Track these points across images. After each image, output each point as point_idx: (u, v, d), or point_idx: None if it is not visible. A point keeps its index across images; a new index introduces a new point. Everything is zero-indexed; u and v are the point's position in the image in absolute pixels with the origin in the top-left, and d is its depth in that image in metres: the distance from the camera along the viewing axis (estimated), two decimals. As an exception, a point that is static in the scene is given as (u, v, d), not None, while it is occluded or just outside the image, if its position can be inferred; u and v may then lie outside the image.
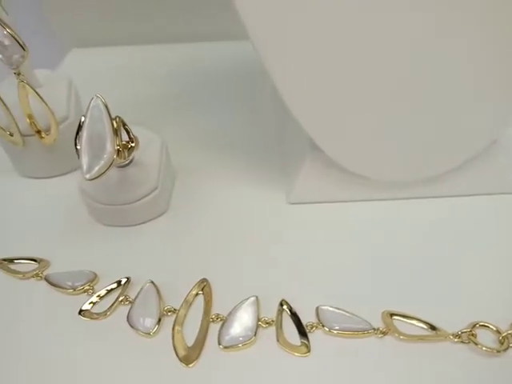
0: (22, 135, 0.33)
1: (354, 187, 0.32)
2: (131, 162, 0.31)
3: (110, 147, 0.27)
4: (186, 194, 0.35)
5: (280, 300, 0.27)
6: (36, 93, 0.31)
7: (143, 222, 0.33)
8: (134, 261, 0.31)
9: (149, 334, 0.26)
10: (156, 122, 0.42)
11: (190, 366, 0.24)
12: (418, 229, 0.31)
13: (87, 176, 0.26)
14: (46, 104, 0.32)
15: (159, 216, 0.33)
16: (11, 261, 0.30)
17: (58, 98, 0.35)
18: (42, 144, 0.34)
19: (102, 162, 0.26)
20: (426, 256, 0.30)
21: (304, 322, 0.26)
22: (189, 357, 0.24)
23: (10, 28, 0.28)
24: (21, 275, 0.29)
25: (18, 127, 0.33)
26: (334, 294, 0.28)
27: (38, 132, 0.33)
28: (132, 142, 0.28)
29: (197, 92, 0.47)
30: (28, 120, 0.33)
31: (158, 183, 0.32)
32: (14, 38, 0.28)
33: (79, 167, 0.37)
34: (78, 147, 0.27)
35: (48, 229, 0.33)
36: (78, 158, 0.27)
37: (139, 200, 0.31)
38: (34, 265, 0.30)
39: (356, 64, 0.27)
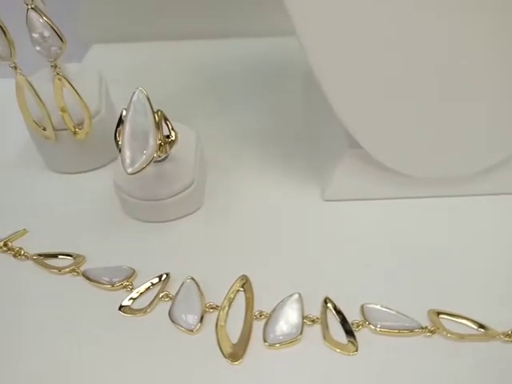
0: (55, 129, 0.33)
1: (392, 184, 0.32)
2: (167, 157, 0.31)
3: (152, 141, 0.26)
4: (218, 189, 0.35)
5: (323, 297, 0.27)
6: (72, 86, 0.31)
7: (177, 218, 0.33)
8: (170, 257, 0.30)
9: (192, 330, 0.25)
10: (183, 117, 0.41)
11: (236, 363, 0.24)
12: (457, 226, 0.31)
13: (129, 170, 0.26)
14: (80, 98, 0.31)
15: (193, 212, 0.33)
16: (46, 256, 0.30)
17: (89, 92, 0.34)
18: (74, 138, 0.34)
19: (145, 157, 0.26)
20: (465, 254, 0.29)
21: (348, 320, 0.26)
22: (235, 354, 0.24)
23: (49, 19, 0.28)
24: (57, 270, 0.29)
25: (51, 121, 0.33)
26: (374, 292, 0.27)
27: (72, 126, 0.33)
28: (172, 137, 0.28)
29: (223, 88, 0.46)
30: (61, 114, 0.32)
31: (193, 179, 0.32)
32: (53, 29, 0.28)
33: (111, 161, 0.38)
34: (119, 141, 0.27)
35: (81, 224, 0.33)
36: (119, 151, 0.27)
37: (175, 196, 0.31)
38: (69, 260, 0.30)
39: (399, 60, 0.27)
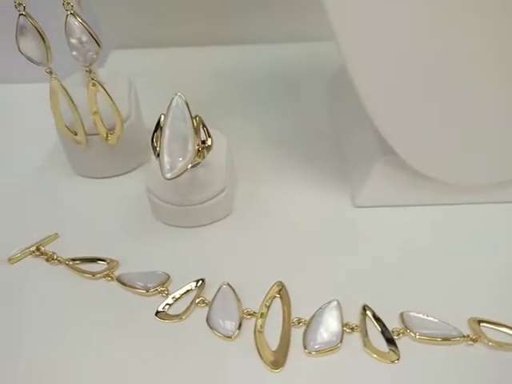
0: (86, 134, 0.33)
1: (425, 191, 0.32)
2: (199, 162, 0.31)
3: (191, 147, 0.26)
4: (248, 195, 0.35)
5: (359, 304, 0.27)
6: (106, 91, 0.31)
7: (208, 223, 0.33)
8: (203, 262, 0.30)
9: (230, 337, 0.25)
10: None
11: (277, 370, 0.24)
12: (495, 233, 0.31)
13: (168, 175, 0.26)
14: (114, 103, 0.32)
15: (224, 217, 0.33)
16: (79, 261, 0.30)
17: (119, 97, 0.34)
18: (105, 143, 0.34)
19: (183, 162, 0.26)
20: (506, 261, 0.29)
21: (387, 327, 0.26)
22: (276, 361, 0.24)
23: (87, 24, 0.28)
24: (90, 275, 0.29)
25: (83, 126, 0.33)
26: (410, 300, 0.27)
27: (104, 131, 0.33)
28: (208, 142, 0.28)
29: (247, 93, 0.46)
30: (94, 119, 0.32)
31: (226, 184, 0.32)
32: (91, 34, 0.28)
33: (138, 166, 0.38)
34: (156, 146, 0.27)
35: (112, 229, 0.33)
36: (156, 156, 0.27)
37: (207, 201, 0.31)
38: (103, 265, 0.30)
39: (438, 65, 0.27)
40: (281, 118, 0.43)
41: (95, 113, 0.32)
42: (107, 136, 0.33)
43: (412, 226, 0.32)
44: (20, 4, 0.26)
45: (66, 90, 0.31)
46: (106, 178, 0.36)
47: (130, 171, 0.37)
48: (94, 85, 0.30)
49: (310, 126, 0.42)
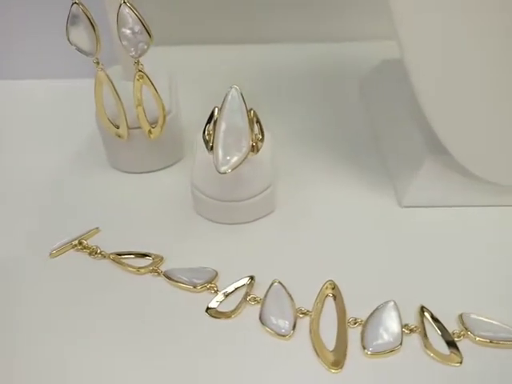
0: (128, 128, 0.33)
1: (474, 191, 0.31)
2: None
3: (246, 140, 0.26)
4: (289, 192, 0.34)
5: (413, 305, 0.26)
6: (152, 84, 0.30)
7: (251, 221, 0.32)
8: (249, 259, 0.30)
9: (285, 336, 0.25)
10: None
11: (337, 371, 0.23)
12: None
13: (223, 168, 0.25)
14: (159, 96, 0.31)
15: (268, 214, 0.32)
16: (124, 255, 0.29)
17: (161, 91, 0.34)
18: (146, 137, 0.33)
19: (238, 156, 0.26)
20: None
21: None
22: (336, 361, 0.23)
23: (140, 14, 0.27)
24: (135, 270, 0.28)
25: (126, 119, 0.32)
26: (465, 301, 0.27)
27: (147, 124, 0.32)
28: (262, 136, 0.27)
29: (284, 91, 0.46)
30: (138, 112, 0.32)
31: (271, 181, 0.31)
32: (143, 24, 0.27)
33: (177, 161, 0.37)
34: (208, 140, 0.26)
35: (153, 223, 0.32)
36: (210, 149, 0.26)
37: (253, 197, 0.30)
38: (147, 260, 0.29)
39: (495, 65, 0.27)
40: (316, 116, 0.42)
41: (139, 105, 0.32)
42: (150, 130, 0.33)
43: (460, 226, 0.31)
44: (74, -8, 0.26)
45: (111, 82, 0.30)
46: (144, 172, 0.36)
47: (168, 166, 0.36)
48: (141, 77, 0.30)
49: (345, 124, 0.41)
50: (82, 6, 0.27)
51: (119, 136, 0.33)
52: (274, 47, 0.51)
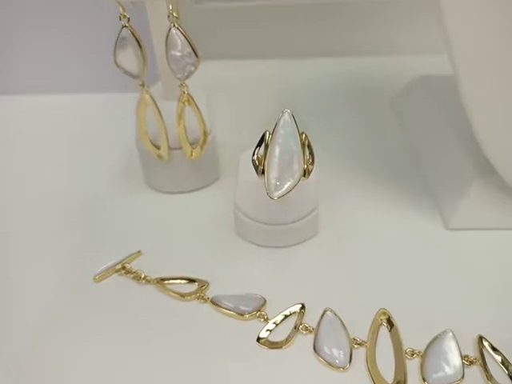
0: (170, 148, 0.32)
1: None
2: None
3: (300, 165, 0.25)
4: (332, 214, 0.33)
5: (473, 334, 0.25)
6: (195, 105, 0.30)
7: (294, 244, 0.31)
8: (296, 285, 0.29)
9: (341, 367, 0.24)
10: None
11: (398, 406, 0.22)
12: None
13: (276, 194, 0.25)
14: (202, 117, 0.31)
15: (311, 238, 0.32)
16: (168, 280, 0.29)
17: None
18: (186, 158, 0.33)
19: (291, 181, 0.25)
20: None
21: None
22: (397, 396, 0.22)
23: (189, 37, 0.27)
24: (181, 296, 0.28)
25: (167, 140, 0.32)
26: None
27: (189, 145, 0.32)
28: (313, 160, 0.27)
29: (317, 108, 0.45)
30: (180, 133, 0.31)
31: (316, 203, 0.30)
32: (192, 47, 0.27)
33: (214, 181, 0.37)
34: (258, 165, 0.26)
35: (195, 246, 0.31)
36: (261, 172, 0.26)
37: (298, 221, 0.30)
38: (192, 285, 0.29)
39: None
40: (352, 134, 0.42)
41: (181, 127, 0.31)
42: (190, 150, 0.32)
43: (507, 250, 0.30)
44: (124, 16, 0.26)
45: (156, 104, 0.30)
46: (182, 193, 0.36)
47: (205, 186, 0.36)
48: (186, 100, 0.29)
49: (381, 143, 0.41)
50: (132, 28, 0.27)
51: (160, 157, 0.33)
52: (306, 62, 0.51)
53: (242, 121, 0.44)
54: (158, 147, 0.33)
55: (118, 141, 0.42)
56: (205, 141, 0.32)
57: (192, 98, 0.30)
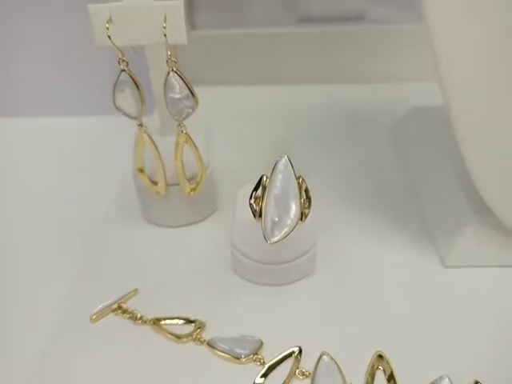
0: (167, 185, 0.32)
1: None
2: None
3: (296, 210, 0.25)
4: (328, 251, 0.33)
5: (468, 379, 0.25)
6: (194, 144, 0.30)
7: (290, 282, 0.31)
8: (292, 326, 0.29)
9: (338, 415, 0.24)
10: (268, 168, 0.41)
11: None
12: None
13: (273, 240, 0.25)
14: (199, 155, 0.31)
15: (307, 276, 0.31)
16: (164, 320, 0.29)
17: (197, 145, 0.33)
18: (184, 193, 0.33)
19: (289, 226, 0.25)
20: None
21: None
22: None
23: (188, 81, 0.27)
24: (178, 338, 0.28)
25: (165, 176, 0.32)
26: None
27: (187, 182, 0.32)
28: (309, 203, 0.27)
29: (314, 137, 0.45)
30: (178, 169, 0.32)
31: (314, 242, 0.31)
32: (190, 91, 0.27)
33: (210, 215, 0.37)
34: (255, 208, 0.26)
35: (191, 283, 0.31)
36: (258, 216, 0.26)
37: (296, 259, 0.30)
38: (189, 326, 0.29)
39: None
40: (349, 165, 0.42)
41: (179, 164, 0.31)
42: (188, 187, 0.33)
43: (506, 288, 0.31)
44: (123, 60, 0.26)
45: (154, 144, 0.30)
46: (179, 226, 0.35)
47: (202, 220, 0.36)
48: (184, 140, 0.30)
49: (380, 175, 0.41)
50: (130, 72, 0.27)
51: (157, 193, 0.33)
52: (302, 88, 0.51)
53: (239, 148, 0.44)
54: (155, 183, 0.33)
55: (117, 167, 0.42)
56: (202, 177, 0.32)
57: (190, 138, 0.30)
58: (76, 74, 0.52)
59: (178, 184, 0.33)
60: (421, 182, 0.38)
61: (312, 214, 0.32)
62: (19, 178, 0.44)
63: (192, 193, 0.32)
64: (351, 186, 0.39)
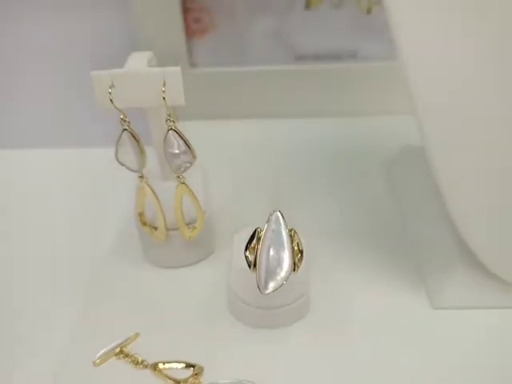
0: (167, 230, 0.34)
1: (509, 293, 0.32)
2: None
3: (289, 263, 0.27)
4: (322, 293, 0.34)
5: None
6: (192, 194, 0.32)
7: (287, 325, 0.32)
8: (286, 368, 0.30)
9: None
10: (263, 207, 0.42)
11: None
12: None
13: (266, 292, 0.26)
14: (198, 202, 0.32)
15: (302, 318, 0.33)
16: (164, 364, 0.30)
17: (195, 188, 0.34)
18: (183, 237, 0.34)
19: (281, 277, 0.27)
20: None
21: None
22: None
23: (186, 138, 0.29)
24: (177, 383, 0.29)
25: (165, 223, 0.33)
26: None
27: (186, 227, 0.33)
28: (301, 254, 0.28)
29: (303, 173, 0.47)
30: (176, 216, 0.33)
31: (308, 285, 0.32)
32: (188, 146, 0.29)
33: (207, 256, 0.38)
34: (250, 261, 0.28)
35: (191, 327, 0.33)
36: (250, 267, 0.28)
37: (291, 304, 0.31)
38: (188, 370, 0.30)
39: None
40: (344, 204, 0.43)
41: (178, 212, 0.33)
42: (187, 232, 0.34)
43: (500, 330, 0.31)
44: (125, 121, 0.28)
45: (154, 193, 0.32)
46: (177, 267, 0.37)
47: (201, 260, 0.37)
48: (183, 190, 0.31)
49: (374, 214, 0.42)
50: (132, 131, 0.28)
51: (157, 238, 0.34)
52: (298, 122, 0.53)
53: (237, 185, 0.46)
54: (155, 228, 0.34)
55: (118, 202, 0.43)
56: (201, 224, 0.34)
57: (188, 188, 0.31)
58: (78, 105, 0.54)
59: (177, 229, 0.34)
60: (413, 221, 0.39)
61: (306, 258, 0.33)
62: (22, 211, 0.45)
63: (190, 237, 0.34)
64: (343, 223, 0.40)
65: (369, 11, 0.51)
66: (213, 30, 0.53)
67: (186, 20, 0.52)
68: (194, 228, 0.34)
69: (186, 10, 0.51)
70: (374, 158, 0.48)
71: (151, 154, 0.34)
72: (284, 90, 0.54)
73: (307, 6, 0.51)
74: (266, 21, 0.52)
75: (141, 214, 0.34)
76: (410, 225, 0.39)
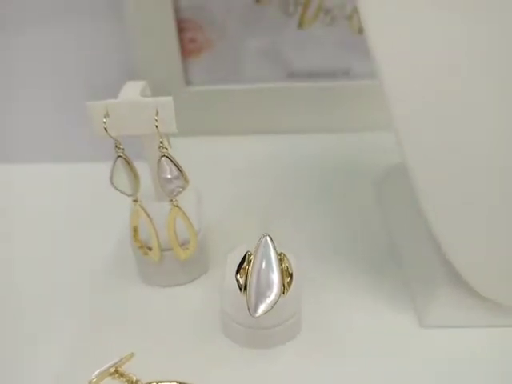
0: (161, 250, 0.35)
1: (497, 313, 0.33)
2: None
3: (278, 287, 0.27)
4: (312, 312, 0.35)
5: None
6: (186, 217, 0.32)
7: (278, 345, 0.33)
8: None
9: None
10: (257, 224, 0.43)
11: None
12: None
13: (256, 315, 0.27)
14: (191, 224, 0.33)
15: (293, 338, 0.33)
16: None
17: (189, 211, 0.35)
18: (177, 257, 0.35)
19: (271, 301, 0.27)
20: None
21: None
22: None
23: (178, 165, 0.29)
24: (169, 402, 0.30)
25: (159, 244, 0.34)
26: None
27: (179, 248, 0.34)
28: (291, 277, 0.29)
29: (291, 189, 0.48)
30: (169, 237, 0.34)
31: (300, 304, 0.33)
32: (180, 171, 0.30)
33: (201, 275, 0.39)
34: (242, 284, 0.28)
35: (185, 346, 0.33)
36: (243, 289, 0.28)
37: (283, 323, 0.32)
38: (182, 390, 0.31)
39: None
40: (329, 220, 0.44)
41: (172, 233, 0.34)
42: (182, 253, 0.35)
43: (488, 349, 0.32)
44: (119, 148, 0.29)
45: (148, 216, 0.32)
46: (171, 286, 0.37)
47: (195, 279, 0.38)
48: (176, 213, 0.32)
49: (363, 228, 0.43)
50: (126, 157, 0.29)
51: (151, 259, 0.35)
52: (291, 138, 0.54)
53: (229, 202, 0.47)
54: (149, 248, 0.35)
55: (114, 221, 0.44)
56: (194, 244, 0.34)
57: (182, 210, 0.32)
58: (75, 120, 0.54)
59: (171, 249, 0.35)
60: (401, 239, 0.40)
61: (297, 277, 0.34)
62: (17, 226, 0.46)
63: (183, 258, 0.35)
64: (334, 245, 0.41)
65: (360, 31, 0.52)
66: (208, 49, 0.54)
67: (181, 40, 0.53)
68: (187, 249, 0.35)
69: (181, 30, 0.53)
70: (365, 175, 0.49)
71: (146, 170, 0.35)
72: (277, 107, 0.55)
73: (300, 25, 0.52)
74: (259, 40, 0.53)
75: (135, 235, 0.35)
76: (398, 244, 0.40)
